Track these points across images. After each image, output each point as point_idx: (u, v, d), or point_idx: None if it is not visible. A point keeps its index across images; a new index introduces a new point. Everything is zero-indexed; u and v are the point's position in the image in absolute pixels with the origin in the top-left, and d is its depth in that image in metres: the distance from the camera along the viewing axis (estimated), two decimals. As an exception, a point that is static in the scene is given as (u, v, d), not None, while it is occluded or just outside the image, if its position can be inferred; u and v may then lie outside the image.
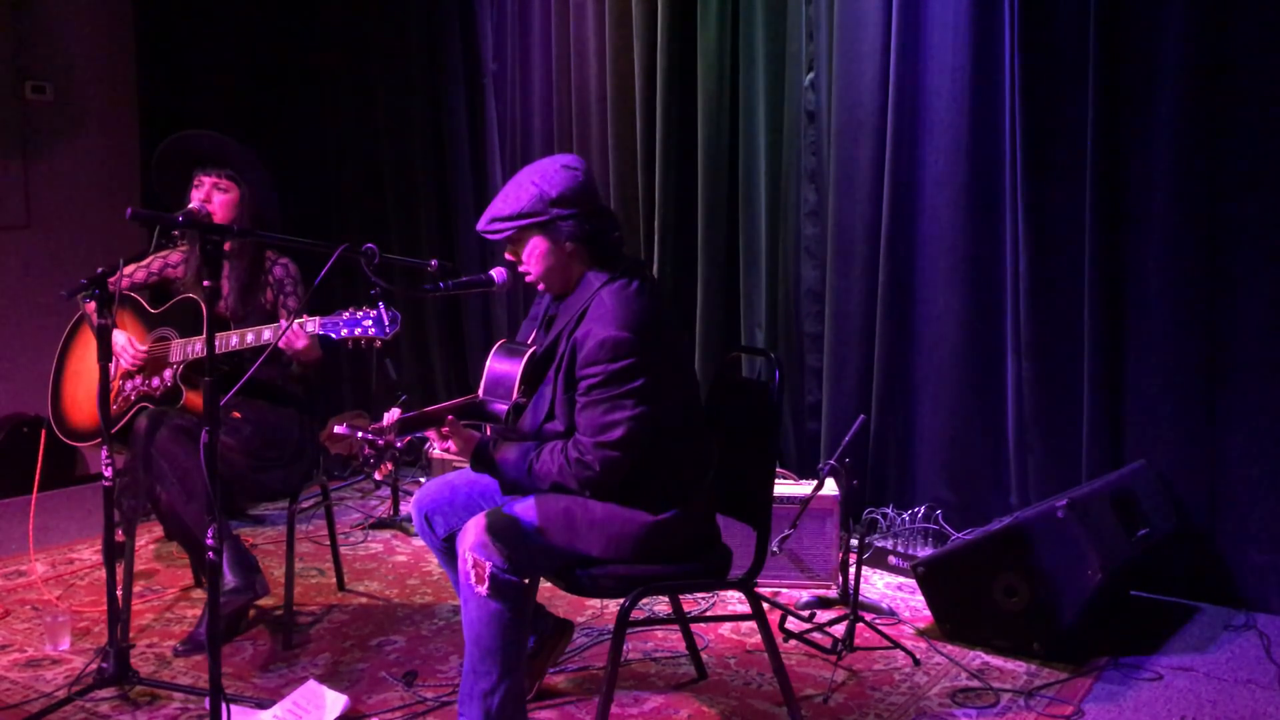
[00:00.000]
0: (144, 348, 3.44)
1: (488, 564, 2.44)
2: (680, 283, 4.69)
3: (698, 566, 2.63)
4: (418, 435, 2.60)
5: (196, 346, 3.31)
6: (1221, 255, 3.52)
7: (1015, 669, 3.13)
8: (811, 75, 4.33)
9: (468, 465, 2.66)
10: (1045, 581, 3.14)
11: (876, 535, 4.11)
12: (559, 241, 2.54)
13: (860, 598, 3.34)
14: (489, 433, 2.67)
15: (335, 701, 2.86)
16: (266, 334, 3.16)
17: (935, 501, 4.12)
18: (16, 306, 5.45)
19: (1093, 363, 3.70)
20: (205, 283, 2.39)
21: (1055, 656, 3.16)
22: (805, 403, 4.48)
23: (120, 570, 3.10)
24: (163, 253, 3.60)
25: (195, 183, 3.43)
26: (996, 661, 3.19)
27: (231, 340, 3.20)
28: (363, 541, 4.42)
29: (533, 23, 5.24)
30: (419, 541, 4.33)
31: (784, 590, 3.72)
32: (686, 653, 3.15)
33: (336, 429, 2.43)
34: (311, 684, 2.92)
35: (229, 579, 3.21)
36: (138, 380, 3.47)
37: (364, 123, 5.77)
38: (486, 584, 2.44)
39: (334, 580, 3.88)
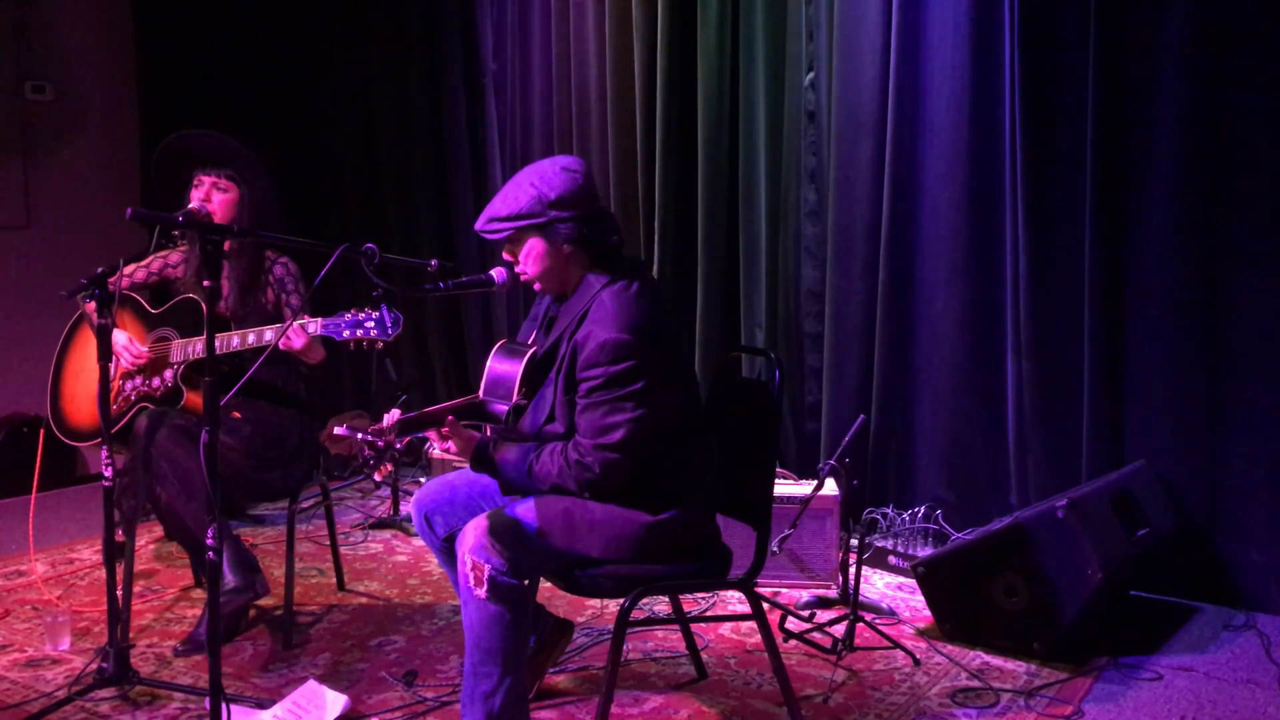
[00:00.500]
0: (144, 348, 3.44)
1: (487, 566, 2.44)
2: (680, 283, 4.69)
3: (698, 566, 2.63)
4: (418, 436, 2.60)
5: (197, 347, 3.31)
6: (1222, 256, 3.52)
7: (1015, 669, 3.13)
8: (811, 75, 4.33)
9: (468, 465, 2.66)
10: (1045, 581, 3.14)
11: (876, 535, 4.11)
12: (556, 244, 2.54)
13: (860, 598, 3.34)
14: (489, 433, 2.67)
15: (335, 701, 2.86)
16: (268, 334, 3.16)
17: (935, 501, 4.12)
18: (16, 306, 5.45)
19: (1093, 363, 3.70)
20: (205, 283, 2.40)
21: (1055, 656, 3.16)
22: (805, 403, 4.48)
23: (120, 570, 3.10)
24: (163, 253, 3.60)
25: (195, 182, 3.43)
26: (996, 661, 3.19)
27: (232, 340, 3.20)
28: (363, 541, 4.42)
29: (533, 23, 5.24)
30: (419, 541, 4.33)
31: (784, 590, 3.72)
32: (686, 653, 3.15)
33: (336, 430, 2.43)
34: (311, 684, 2.92)
35: (229, 579, 3.21)
36: (138, 380, 3.47)
37: (364, 122, 5.77)
38: (486, 586, 2.44)
39: (334, 580, 3.88)
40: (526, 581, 2.52)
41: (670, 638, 3.34)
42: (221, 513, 2.38)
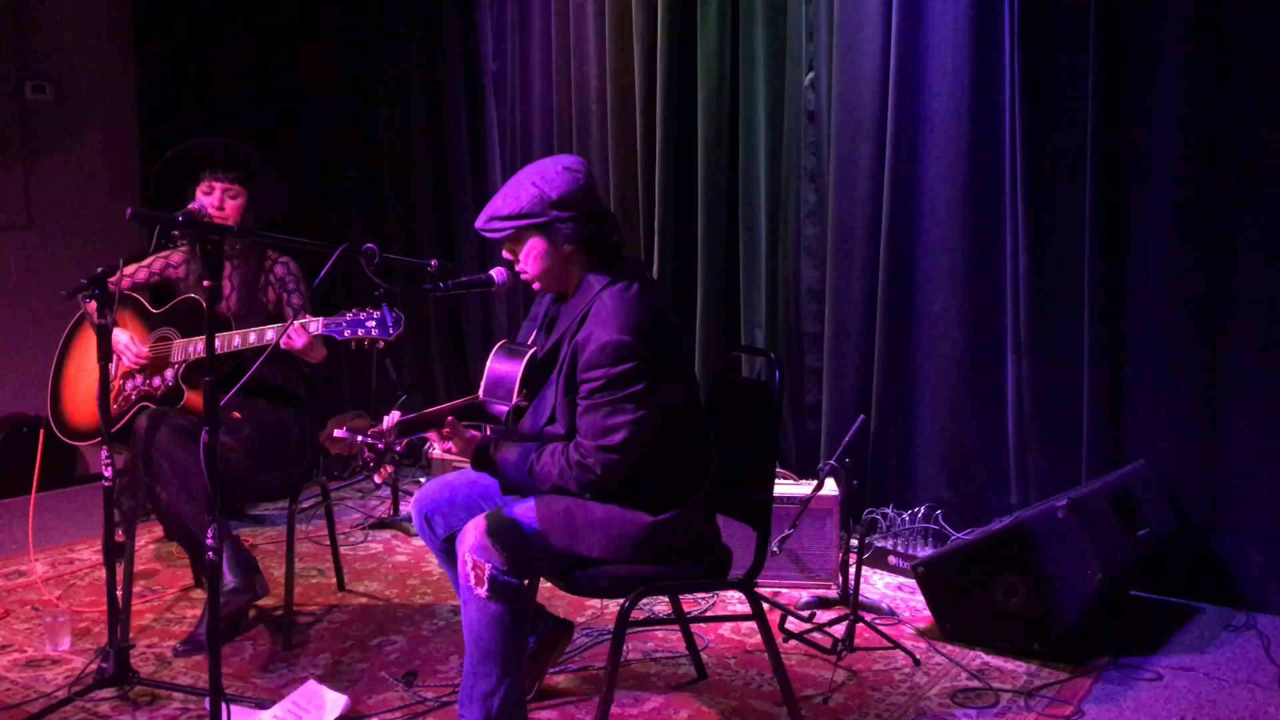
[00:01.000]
0: (145, 347, 3.44)
1: (487, 566, 2.44)
2: (680, 283, 4.69)
3: (698, 566, 2.63)
4: (417, 437, 2.60)
5: (198, 346, 3.32)
6: (1222, 255, 3.52)
7: (1015, 669, 3.14)
8: (811, 75, 4.33)
9: (468, 465, 2.66)
10: (1045, 581, 3.14)
11: (876, 535, 4.11)
12: (557, 243, 2.54)
13: (860, 598, 3.34)
14: (489, 434, 2.67)
15: (335, 701, 2.86)
16: (269, 333, 3.16)
17: (935, 501, 4.12)
18: (16, 306, 5.45)
19: (1093, 363, 3.70)
20: (205, 283, 2.40)
21: (1055, 656, 3.16)
22: (805, 403, 4.48)
23: (120, 570, 3.10)
24: (164, 253, 3.60)
25: (204, 187, 3.42)
26: (996, 661, 3.19)
27: (234, 340, 3.20)
28: (363, 541, 4.42)
29: (533, 23, 5.24)
30: (419, 541, 4.33)
31: (784, 590, 3.72)
32: (686, 653, 3.15)
33: (336, 432, 2.43)
34: (311, 684, 2.92)
35: (229, 579, 3.21)
36: (139, 380, 3.47)
37: (364, 122, 5.77)
38: (486, 586, 2.44)
39: (334, 580, 3.88)
40: (526, 581, 2.52)
41: (670, 638, 3.34)
42: (221, 513, 2.38)
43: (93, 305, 3.04)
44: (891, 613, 3.55)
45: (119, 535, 3.11)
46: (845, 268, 4.27)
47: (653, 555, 2.55)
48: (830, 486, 3.68)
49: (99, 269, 2.85)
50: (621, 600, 2.56)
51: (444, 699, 2.95)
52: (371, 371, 5.11)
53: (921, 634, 3.39)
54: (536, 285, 2.65)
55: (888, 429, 4.23)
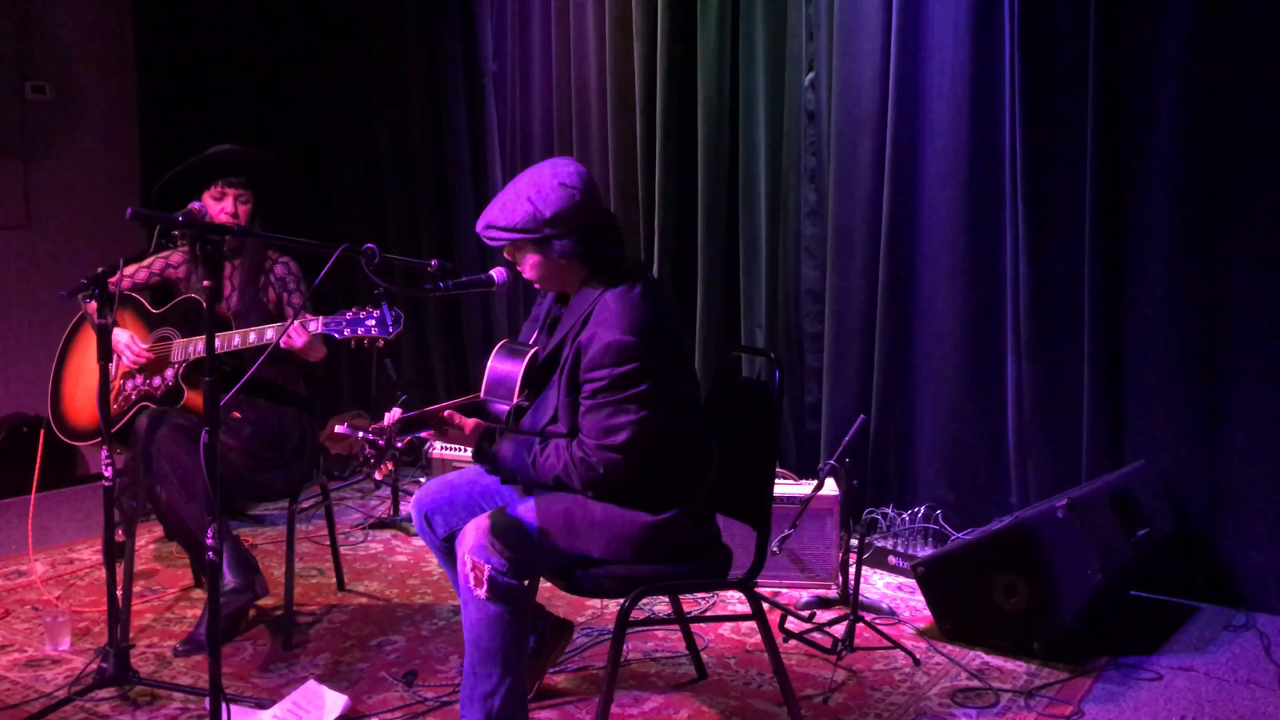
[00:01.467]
0: (145, 347, 3.44)
1: (487, 567, 2.44)
2: (680, 283, 4.69)
3: (698, 566, 2.63)
4: (418, 435, 2.60)
5: (198, 346, 3.32)
6: (1222, 255, 3.52)
7: (1015, 669, 3.13)
8: (811, 75, 4.33)
9: (469, 463, 2.66)
10: (1045, 581, 3.14)
11: (876, 535, 4.11)
12: (550, 255, 2.54)
13: (860, 598, 3.34)
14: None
15: (335, 701, 2.86)
16: (269, 333, 3.17)
17: (935, 501, 4.12)
18: (16, 306, 5.45)
19: (1093, 363, 3.70)
20: (206, 283, 2.40)
21: (1055, 656, 3.16)
22: (805, 403, 4.48)
23: (120, 570, 3.10)
24: (164, 253, 3.60)
25: (216, 192, 3.43)
26: (996, 661, 3.19)
27: (234, 339, 3.20)
28: (363, 541, 4.42)
29: (533, 23, 5.24)
30: (419, 541, 4.33)
31: (784, 590, 3.72)
32: (686, 653, 3.15)
33: (337, 429, 2.44)
34: (311, 684, 2.92)
35: (229, 579, 3.21)
36: (139, 380, 3.47)
37: (364, 123, 5.77)
38: (486, 587, 2.44)
39: (334, 580, 3.88)
40: (526, 582, 2.53)
41: (670, 638, 3.33)
42: (221, 513, 2.38)
43: (93, 305, 3.04)
44: (891, 613, 3.55)
45: (119, 535, 3.10)
46: (845, 268, 4.27)
47: (653, 555, 2.55)
48: (830, 486, 3.68)
49: (99, 269, 2.85)
50: (621, 600, 2.56)
51: (444, 699, 2.95)
52: (371, 371, 5.11)
53: (921, 634, 3.39)
54: (538, 286, 2.66)
55: (888, 429, 4.23)
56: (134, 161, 5.92)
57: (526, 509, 2.54)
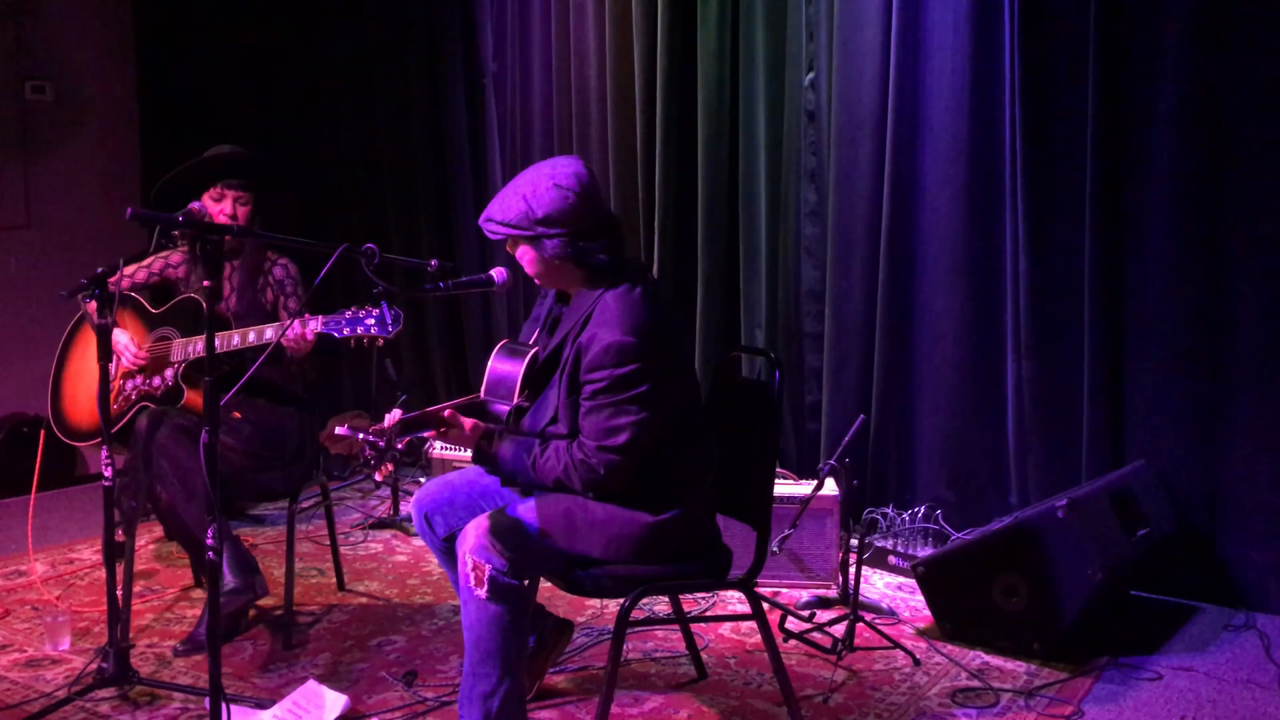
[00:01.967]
0: (145, 347, 3.44)
1: (487, 567, 2.44)
2: (680, 283, 4.69)
3: (698, 566, 2.63)
4: (418, 436, 2.60)
5: (197, 346, 3.32)
6: (1222, 256, 3.52)
7: (1015, 669, 3.13)
8: (811, 75, 4.33)
9: (469, 463, 2.66)
10: (1045, 581, 3.14)
11: (876, 535, 4.11)
12: (544, 254, 2.55)
13: (860, 598, 3.34)
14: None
15: (335, 701, 2.86)
16: (268, 333, 3.16)
17: (935, 501, 4.12)
18: (16, 306, 5.45)
19: (1093, 363, 3.70)
20: (205, 283, 2.40)
21: (1055, 656, 3.16)
22: (805, 403, 4.48)
23: (120, 570, 3.10)
24: (164, 253, 3.60)
25: (215, 193, 3.43)
26: (996, 661, 3.19)
27: (233, 339, 3.20)
28: (363, 541, 4.42)
29: (533, 23, 5.24)
30: (419, 541, 4.33)
31: (784, 590, 3.72)
32: (686, 653, 3.15)
33: (337, 430, 2.44)
34: (311, 684, 2.92)
35: (229, 579, 3.21)
36: (138, 380, 3.47)
37: (364, 122, 5.77)
38: (486, 587, 2.44)
39: (334, 580, 3.88)
40: (526, 582, 2.53)
41: (670, 638, 3.33)
42: (221, 513, 2.38)
43: (92, 305, 3.04)
44: (891, 613, 3.55)
45: (119, 535, 3.10)
46: (845, 268, 4.27)
47: (653, 555, 2.55)
48: (830, 486, 3.68)
49: (99, 269, 2.85)
50: (621, 600, 2.56)
51: (444, 699, 2.95)
52: (371, 372, 5.11)
53: (921, 634, 3.39)
54: (539, 282, 2.66)
55: (888, 429, 4.23)
56: (134, 161, 5.92)
57: (527, 509, 2.54)
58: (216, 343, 3.14)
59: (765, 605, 3.02)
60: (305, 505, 4.33)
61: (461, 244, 5.53)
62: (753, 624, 2.92)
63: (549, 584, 2.70)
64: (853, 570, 3.35)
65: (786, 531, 3.46)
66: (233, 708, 2.65)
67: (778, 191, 4.47)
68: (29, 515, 3.90)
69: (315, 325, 3.02)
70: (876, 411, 4.21)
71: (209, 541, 2.36)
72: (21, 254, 5.52)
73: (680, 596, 3.07)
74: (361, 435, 2.42)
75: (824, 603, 3.61)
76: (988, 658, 3.21)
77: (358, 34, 5.74)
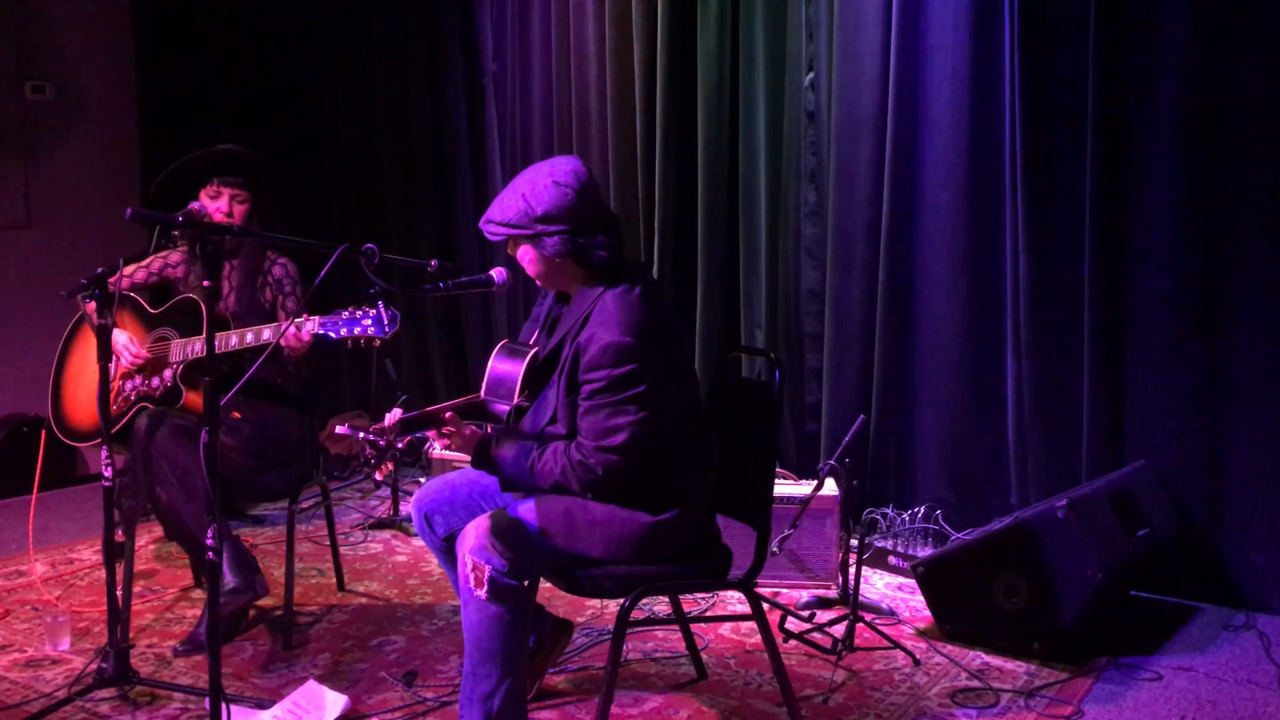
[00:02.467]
0: (143, 348, 3.44)
1: (487, 567, 2.44)
2: (680, 283, 4.69)
3: (698, 566, 2.63)
4: (418, 435, 2.60)
5: (196, 346, 3.31)
6: (1222, 255, 3.52)
7: (1015, 669, 3.13)
8: (811, 75, 4.33)
9: (468, 464, 2.66)
10: (1045, 581, 3.14)
11: (876, 535, 4.11)
12: (544, 252, 2.54)
13: (860, 598, 3.34)
14: (490, 431, 2.67)
15: (335, 701, 2.86)
16: (266, 334, 3.16)
17: (935, 501, 4.12)
18: (16, 306, 5.45)
19: (1093, 363, 3.70)
20: (205, 283, 2.40)
21: (1055, 656, 3.16)
22: (805, 403, 4.48)
23: (120, 570, 3.10)
24: (163, 253, 3.60)
25: (211, 191, 3.43)
26: (996, 661, 3.19)
27: (231, 340, 3.20)
28: (363, 541, 4.42)
29: (533, 23, 5.24)
30: (419, 541, 4.33)
31: (784, 590, 3.72)
32: (686, 653, 3.15)
33: (338, 429, 2.44)
34: (311, 684, 2.92)
35: (229, 579, 3.21)
36: (137, 380, 3.47)
37: (364, 123, 5.77)
38: (486, 587, 2.44)
39: (334, 580, 3.88)
40: (526, 582, 2.53)
41: (670, 638, 3.33)
42: (221, 513, 2.38)
43: (92, 306, 3.04)
44: (891, 613, 3.55)
45: (119, 535, 3.10)
46: (845, 268, 4.27)
47: (653, 555, 2.55)
48: (830, 486, 3.68)
49: (99, 269, 2.85)
50: (621, 600, 2.56)
51: (444, 699, 2.95)
52: (371, 372, 5.10)
53: (921, 634, 3.39)
54: (540, 283, 2.66)
55: (888, 429, 4.23)
56: (134, 161, 5.92)
57: (527, 509, 2.54)
58: (215, 343, 3.13)
59: (765, 605, 3.02)
60: (305, 505, 4.33)
61: (461, 244, 5.53)
62: (753, 624, 2.92)
63: (549, 584, 2.70)
64: (853, 570, 3.35)
65: (786, 531, 3.45)
66: (233, 708, 2.65)
67: (778, 191, 4.47)
68: (29, 515, 3.89)
69: (312, 326, 3.01)
70: (876, 411, 4.21)
71: (209, 541, 2.36)
72: (21, 254, 5.52)
73: (680, 596, 3.07)
74: (362, 434, 2.42)
75: (824, 603, 3.61)
76: (988, 658, 3.21)
77: (358, 34, 5.74)
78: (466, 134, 5.50)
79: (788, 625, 3.39)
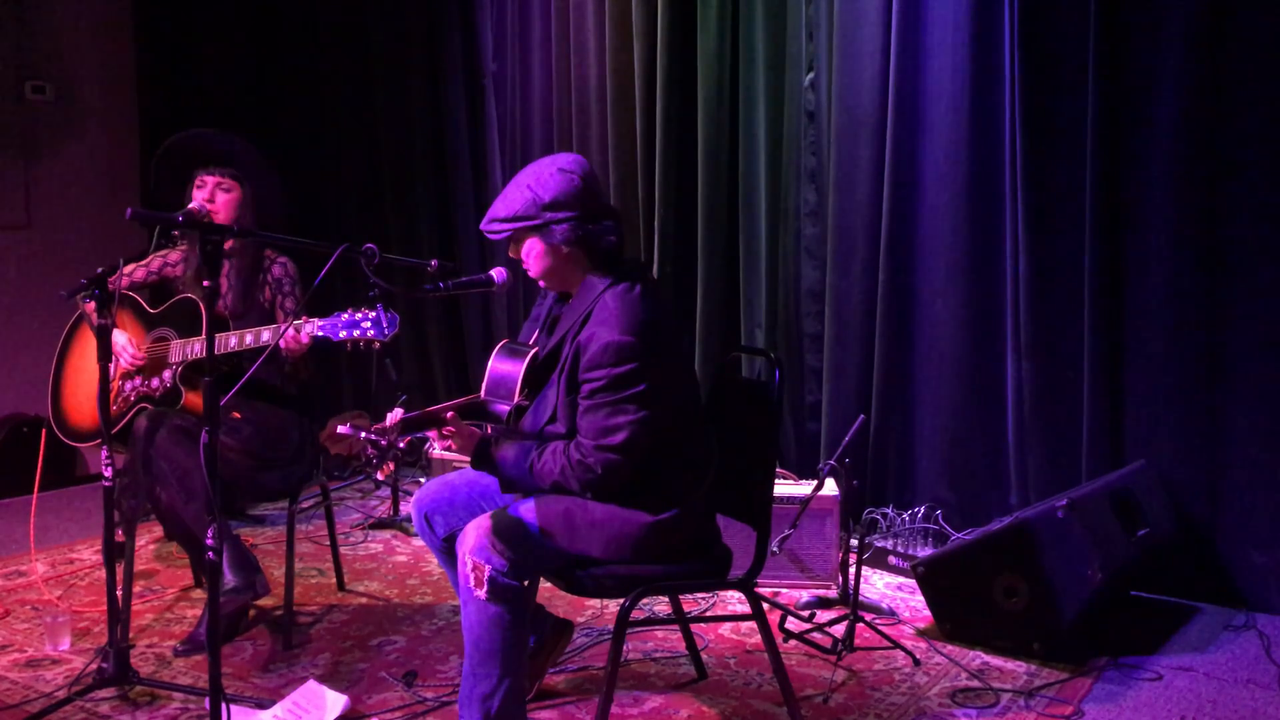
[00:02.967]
0: (143, 348, 3.44)
1: (487, 567, 2.44)
2: (680, 283, 4.69)
3: (698, 566, 2.63)
4: (419, 435, 2.60)
5: (195, 347, 3.31)
6: (1222, 255, 3.52)
7: (1015, 669, 3.13)
8: (811, 75, 4.33)
9: (468, 464, 2.66)
10: (1045, 581, 3.14)
11: (876, 535, 4.11)
12: (554, 245, 2.54)
13: (860, 598, 3.34)
14: (490, 432, 2.67)
15: (335, 701, 2.86)
16: (265, 335, 3.16)
17: (935, 501, 4.12)
18: (16, 306, 5.45)
19: (1093, 363, 3.70)
20: (205, 283, 2.40)
21: (1055, 656, 3.16)
22: (805, 403, 4.48)
23: (120, 570, 3.10)
24: (162, 252, 3.60)
25: (198, 182, 3.42)
26: (996, 661, 3.19)
27: (230, 341, 3.20)
28: (363, 541, 4.42)
29: (533, 23, 5.24)
30: (419, 541, 4.33)
31: (784, 590, 3.72)
32: (686, 653, 3.15)
33: (339, 429, 2.44)
34: (311, 684, 2.92)
35: (229, 579, 3.21)
36: (137, 381, 3.47)
37: (364, 123, 5.77)
38: (486, 587, 2.44)
39: (334, 580, 3.88)
40: (526, 582, 2.53)
41: (670, 638, 3.33)
42: (222, 513, 2.38)
43: (91, 306, 3.03)
44: (891, 613, 3.55)
45: (119, 535, 3.10)
46: (845, 268, 4.27)
47: (653, 555, 2.55)
48: (830, 486, 3.68)
49: (99, 269, 2.85)
50: (621, 600, 2.56)
51: (444, 699, 2.95)
52: (372, 372, 5.11)
53: (921, 634, 3.39)
54: (542, 283, 2.65)
55: (888, 429, 4.23)
56: (134, 161, 5.93)
57: (527, 509, 2.54)
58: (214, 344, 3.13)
59: (765, 605, 3.02)
60: (305, 505, 4.34)
61: (461, 244, 5.53)
62: (753, 624, 2.92)
63: (549, 584, 2.70)
64: (853, 570, 3.35)
65: (786, 531, 3.45)
66: (233, 708, 2.66)
67: (778, 191, 4.47)
68: (30, 515, 3.90)
69: (311, 328, 3.01)
70: (876, 411, 4.22)
71: (209, 541, 2.36)
72: (21, 254, 5.52)
73: (680, 596, 3.07)
74: (363, 434, 2.43)
75: (824, 603, 3.61)
76: (988, 658, 3.21)
77: (358, 34, 5.74)
78: (466, 134, 5.50)
79: (788, 625, 3.39)
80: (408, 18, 5.56)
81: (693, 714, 2.91)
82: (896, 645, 3.23)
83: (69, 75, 5.69)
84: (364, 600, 3.77)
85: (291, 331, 3.05)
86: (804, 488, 3.67)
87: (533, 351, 2.63)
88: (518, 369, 2.61)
